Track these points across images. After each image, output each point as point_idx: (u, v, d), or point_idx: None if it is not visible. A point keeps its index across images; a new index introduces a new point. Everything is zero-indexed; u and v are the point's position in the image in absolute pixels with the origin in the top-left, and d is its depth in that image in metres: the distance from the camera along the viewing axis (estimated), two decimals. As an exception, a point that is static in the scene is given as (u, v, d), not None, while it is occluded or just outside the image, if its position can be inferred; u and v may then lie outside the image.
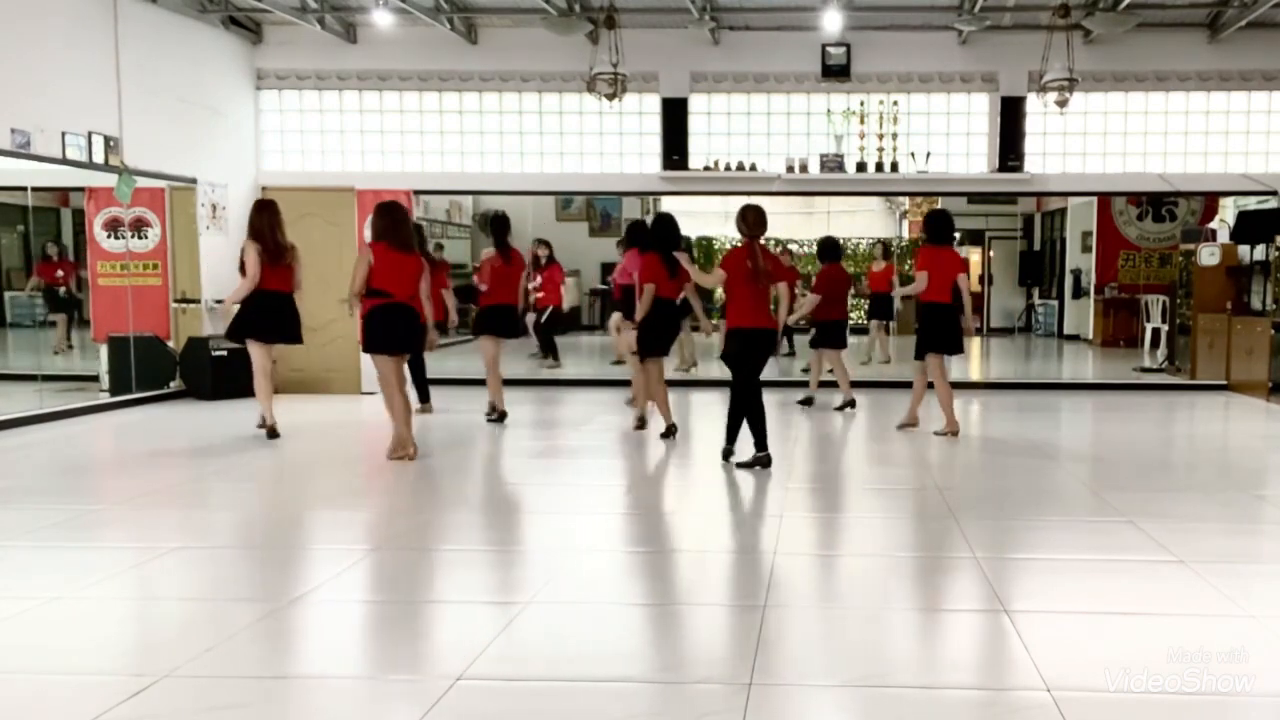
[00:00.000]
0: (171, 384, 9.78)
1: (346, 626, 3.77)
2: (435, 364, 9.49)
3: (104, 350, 9.62)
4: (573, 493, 6.11)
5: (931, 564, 4.50)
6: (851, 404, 9.06)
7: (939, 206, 7.88)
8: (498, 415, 8.33)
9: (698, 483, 6.25)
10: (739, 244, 6.58)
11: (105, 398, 9.32)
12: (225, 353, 9.44)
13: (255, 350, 7.46)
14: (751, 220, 6.42)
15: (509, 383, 8.98)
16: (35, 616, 3.73)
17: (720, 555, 4.84)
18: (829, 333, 9.25)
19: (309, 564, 4.59)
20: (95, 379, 9.73)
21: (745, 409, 6.41)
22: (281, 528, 5.29)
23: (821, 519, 5.53)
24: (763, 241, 6.57)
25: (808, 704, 3.06)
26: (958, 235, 20.51)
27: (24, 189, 9.36)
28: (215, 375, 9.56)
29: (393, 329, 6.60)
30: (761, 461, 6.35)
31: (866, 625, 3.75)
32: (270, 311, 7.40)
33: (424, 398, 8.96)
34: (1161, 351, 13.10)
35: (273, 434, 7.42)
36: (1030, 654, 3.32)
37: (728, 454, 6.50)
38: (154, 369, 9.48)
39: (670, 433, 7.47)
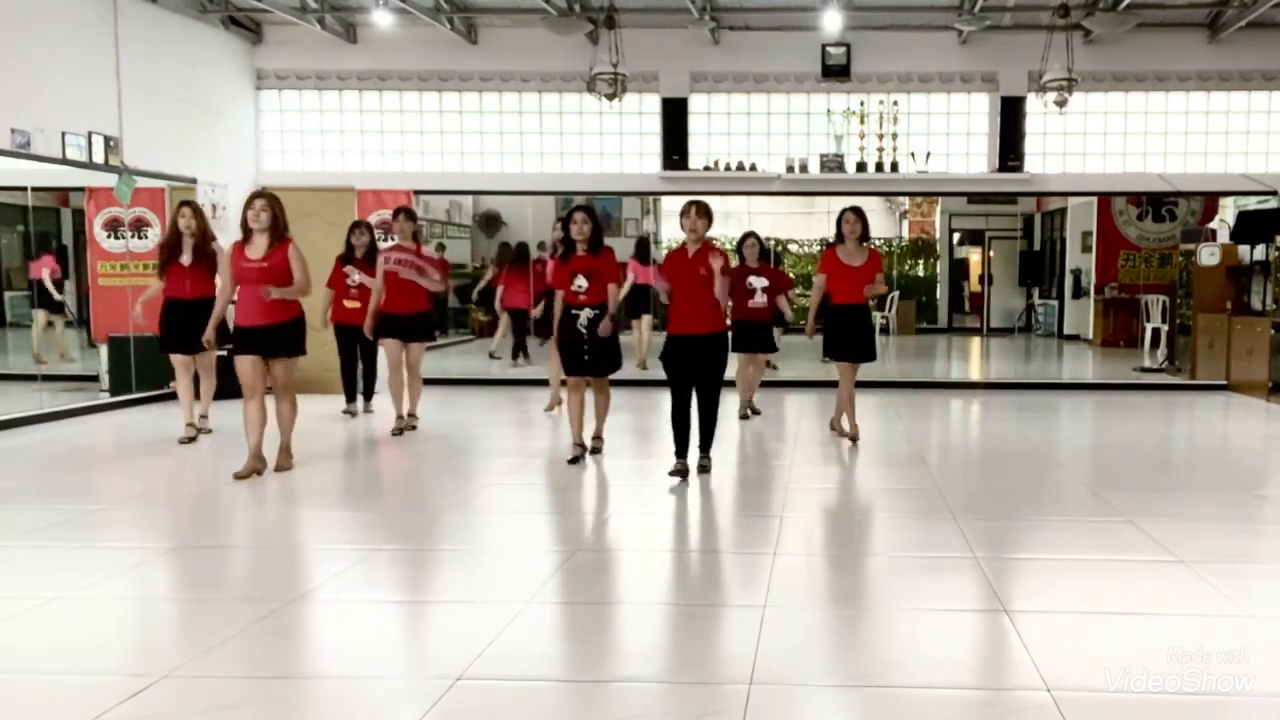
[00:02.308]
0: (171, 384, 9.74)
1: (346, 626, 3.77)
2: (442, 365, 9.47)
3: (104, 350, 9.62)
4: (570, 493, 6.10)
5: (931, 564, 4.50)
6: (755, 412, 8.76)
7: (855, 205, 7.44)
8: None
9: (696, 483, 6.24)
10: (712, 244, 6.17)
11: (105, 398, 9.32)
12: (226, 353, 9.44)
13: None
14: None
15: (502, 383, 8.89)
16: (35, 616, 3.73)
17: (720, 555, 4.84)
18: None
19: (309, 564, 4.59)
20: (95, 379, 9.73)
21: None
22: (281, 527, 5.29)
23: (821, 519, 5.53)
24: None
25: (808, 704, 3.06)
26: (958, 234, 20.60)
27: (24, 189, 9.36)
28: (215, 375, 9.53)
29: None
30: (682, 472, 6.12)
31: (866, 625, 3.75)
32: (169, 321, 7.35)
33: (368, 395, 9.04)
34: (1161, 351, 13.09)
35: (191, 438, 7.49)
36: (1030, 654, 3.32)
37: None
38: (154, 369, 9.47)
39: (578, 458, 6.65)
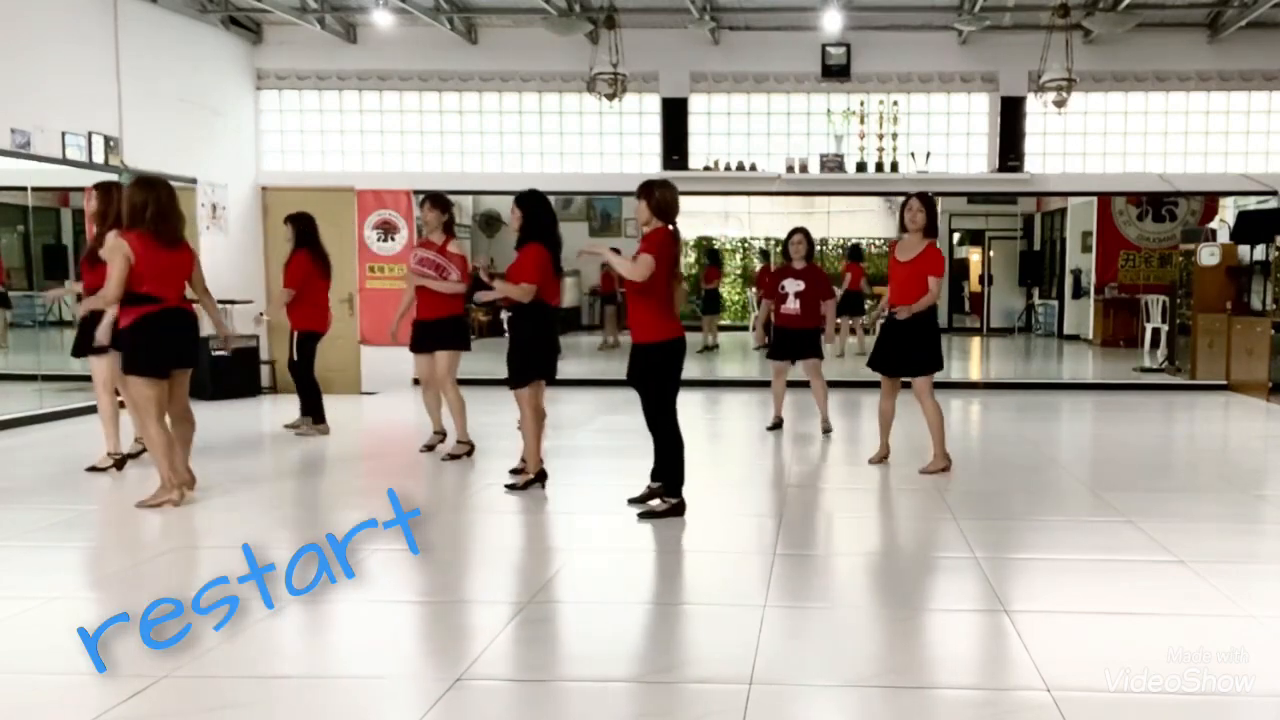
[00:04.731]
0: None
1: (346, 626, 3.77)
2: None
3: (104, 350, 9.61)
4: (571, 493, 6.10)
5: (932, 564, 4.50)
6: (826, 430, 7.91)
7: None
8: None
9: (696, 483, 6.24)
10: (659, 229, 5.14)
11: (105, 398, 9.30)
12: (226, 353, 9.45)
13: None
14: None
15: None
16: (35, 616, 3.73)
17: (720, 555, 4.84)
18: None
19: (308, 564, 4.58)
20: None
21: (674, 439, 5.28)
22: (280, 527, 5.29)
23: (821, 519, 5.53)
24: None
25: (808, 704, 3.06)
26: (958, 234, 20.62)
27: (24, 189, 9.36)
28: (215, 375, 9.58)
29: (169, 343, 5.25)
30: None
31: (866, 625, 3.75)
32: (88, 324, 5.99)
33: (319, 417, 7.79)
34: (1161, 351, 13.10)
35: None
36: (1030, 654, 3.32)
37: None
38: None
39: (535, 480, 5.93)
